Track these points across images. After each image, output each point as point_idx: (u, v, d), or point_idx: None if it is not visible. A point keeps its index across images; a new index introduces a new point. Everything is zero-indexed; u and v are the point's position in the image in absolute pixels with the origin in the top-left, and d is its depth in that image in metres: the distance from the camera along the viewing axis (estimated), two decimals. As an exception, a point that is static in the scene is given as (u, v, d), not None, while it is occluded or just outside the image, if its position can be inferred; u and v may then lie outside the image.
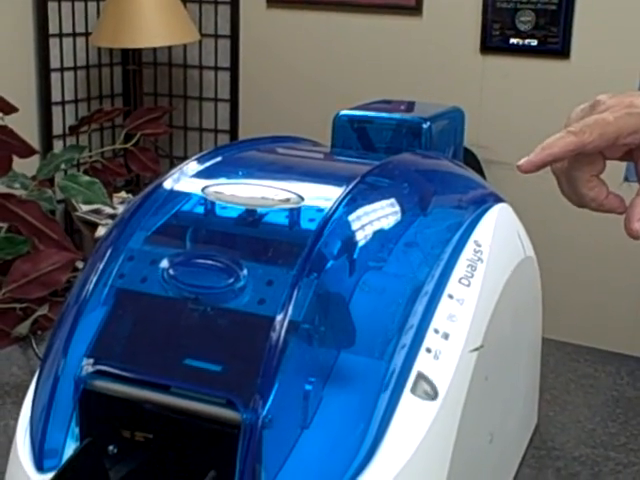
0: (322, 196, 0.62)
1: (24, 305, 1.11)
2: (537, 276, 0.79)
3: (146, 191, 0.64)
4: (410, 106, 0.87)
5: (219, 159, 0.69)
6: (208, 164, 0.68)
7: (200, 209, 0.62)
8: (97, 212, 2.27)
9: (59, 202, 2.65)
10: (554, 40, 2.55)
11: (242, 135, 2.98)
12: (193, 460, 0.58)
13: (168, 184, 0.65)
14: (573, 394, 0.94)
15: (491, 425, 0.68)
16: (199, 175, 0.66)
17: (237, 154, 0.71)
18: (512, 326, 0.71)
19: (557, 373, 0.99)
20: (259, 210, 0.60)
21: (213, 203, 0.62)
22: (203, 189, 0.62)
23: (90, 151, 2.63)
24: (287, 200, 0.60)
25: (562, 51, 2.56)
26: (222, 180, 0.65)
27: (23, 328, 1.04)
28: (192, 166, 0.67)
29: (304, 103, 2.81)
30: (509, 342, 0.71)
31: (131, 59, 2.92)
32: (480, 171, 2.73)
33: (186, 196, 0.64)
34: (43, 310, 1.09)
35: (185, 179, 0.65)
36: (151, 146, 2.84)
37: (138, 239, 0.61)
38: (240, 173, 0.67)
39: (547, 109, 2.63)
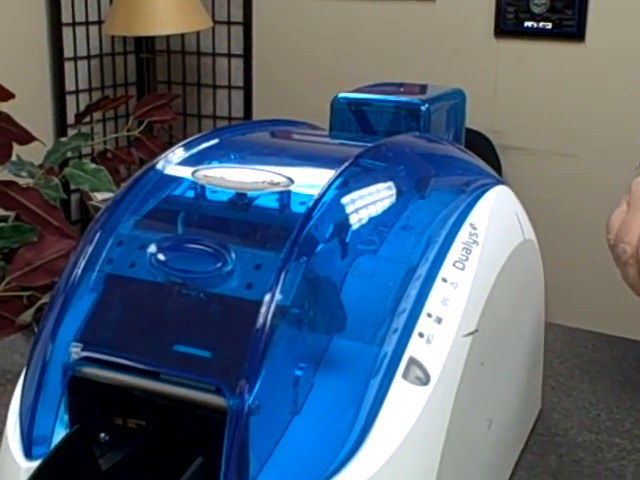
0: (314, 179, 0.61)
1: (29, 293, 1.11)
2: (538, 259, 0.77)
3: (136, 175, 0.64)
4: (410, 88, 0.86)
5: (212, 142, 0.68)
6: (201, 147, 0.67)
7: (190, 193, 0.62)
8: (111, 201, 2.28)
9: (74, 191, 2.67)
10: (569, 23, 2.53)
11: (256, 122, 2.97)
12: (184, 447, 0.58)
13: (159, 167, 0.64)
14: (578, 380, 0.93)
15: (489, 411, 0.67)
16: (191, 158, 0.65)
17: (231, 137, 0.70)
18: (511, 310, 0.70)
19: (563, 359, 0.97)
20: (249, 194, 0.60)
21: (203, 187, 0.61)
22: (193, 173, 0.61)
23: (105, 137, 2.64)
24: (277, 183, 0.60)
25: (577, 34, 2.53)
26: (213, 164, 0.64)
27: (27, 316, 1.04)
28: (183, 150, 0.66)
29: (318, 89, 2.79)
30: (507, 327, 0.70)
31: (144, 47, 2.93)
32: (495, 156, 2.71)
33: (176, 180, 0.63)
34: (47, 298, 1.09)
35: (176, 163, 0.64)
36: (165, 134, 2.84)
37: (127, 224, 0.60)
38: (232, 156, 0.66)
39: (562, 93, 2.61)
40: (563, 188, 2.69)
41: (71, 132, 2.64)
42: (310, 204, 0.57)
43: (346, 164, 0.60)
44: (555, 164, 2.69)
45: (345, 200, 0.59)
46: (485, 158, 0.77)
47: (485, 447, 0.68)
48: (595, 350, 1.00)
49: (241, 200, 0.60)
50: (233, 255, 0.56)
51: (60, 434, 0.56)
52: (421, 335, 0.58)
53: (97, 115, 2.69)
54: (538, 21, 2.57)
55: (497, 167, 2.64)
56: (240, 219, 0.60)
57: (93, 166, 1.46)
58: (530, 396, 0.82)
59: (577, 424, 0.84)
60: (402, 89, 0.83)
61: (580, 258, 2.53)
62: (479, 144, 2.59)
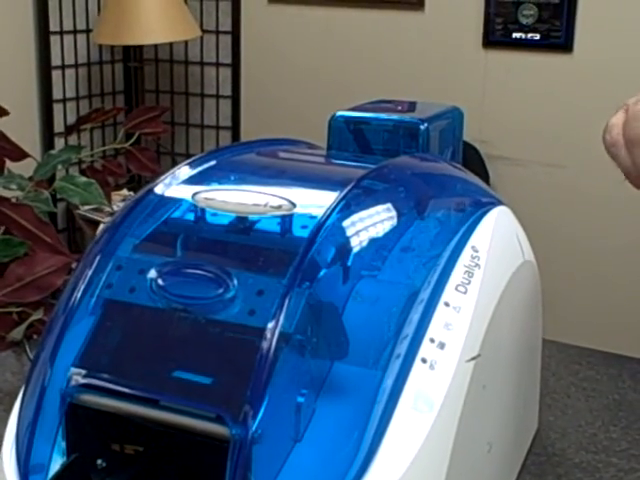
0: (315, 202, 0.61)
1: (20, 309, 1.10)
2: (537, 280, 0.77)
3: (136, 197, 0.63)
4: (408, 106, 0.86)
5: (212, 163, 0.67)
6: (200, 169, 0.67)
7: (190, 216, 0.61)
8: (98, 210, 2.25)
9: (60, 200, 2.64)
10: (557, 34, 2.53)
11: (244, 131, 2.96)
12: (184, 474, 0.57)
13: (159, 190, 0.63)
14: (574, 397, 0.92)
15: (489, 434, 0.66)
16: (191, 180, 0.65)
17: (230, 158, 0.69)
18: (511, 332, 0.70)
19: (558, 376, 0.97)
20: (250, 217, 0.59)
21: (203, 210, 0.60)
22: (193, 195, 0.61)
23: (92, 149, 2.62)
24: (279, 207, 0.59)
25: (565, 45, 2.53)
26: (213, 186, 0.63)
27: (17, 333, 1.03)
28: (184, 171, 0.65)
29: (306, 99, 2.79)
30: (508, 349, 0.69)
31: (132, 56, 2.90)
32: (483, 166, 2.71)
33: (176, 202, 0.62)
34: (38, 314, 1.07)
35: (176, 184, 0.64)
36: (153, 144, 2.82)
37: (127, 247, 0.59)
38: (232, 178, 0.65)
39: (550, 104, 2.61)
40: (551, 198, 2.69)
41: (58, 141, 2.62)
42: (313, 228, 0.56)
43: (348, 187, 0.60)
44: (543, 174, 2.69)
45: (347, 224, 0.58)
46: (473, 168, 0.77)
47: (486, 470, 0.67)
48: (590, 367, 1.00)
49: (242, 224, 0.59)
50: (235, 281, 0.55)
51: (57, 462, 0.56)
52: (424, 361, 0.57)
53: (86, 125, 2.66)
54: (526, 32, 2.57)
55: (485, 177, 2.64)
56: (241, 243, 0.59)
57: (84, 179, 1.45)
58: (528, 416, 0.81)
59: (574, 444, 0.84)
60: (400, 107, 0.82)
61: (570, 268, 2.52)
62: (467, 154, 2.58)
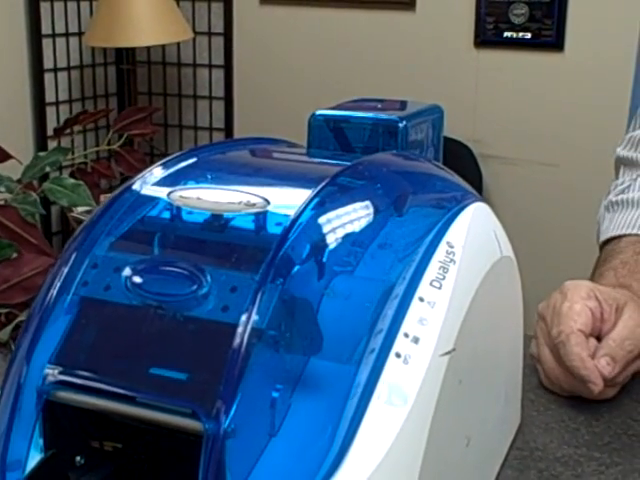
0: (290, 199, 0.61)
1: (6, 310, 1.10)
2: (516, 275, 0.78)
3: (113, 195, 0.63)
4: (389, 104, 0.86)
5: (189, 162, 0.68)
6: (178, 167, 0.67)
7: (166, 214, 0.61)
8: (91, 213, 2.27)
9: (54, 203, 2.65)
10: (548, 33, 2.54)
11: (237, 133, 2.97)
12: (161, 469, 0.58)
13: (135, 188, 0.64)
14: (558, 393, 0.93)
15: (467, 429, 0.67)
16: (167, 178, 0.65)
17: (207, 157, 0.70)
18: (488, 328, 0.70)
19: (542, 372, 0.98)
20: (225, 215, 0.60)
21: (179, 208, 0.61)
22: (169, 194, 0.61)
23: (85, 150, 2.63)
24: (253, 204, 0.59)
25: (556, 44, 2.55)
26: (190, 184, 0.64)
27: (4, 334, 1.03)
28: (161, 169, 0.66)
29: (299, 100, 2.80)
30: (485, 344, 0.70)
31: (125, 58, 2.92)
32: (475, 165, 2.72)
33: (152, 201, 0.63)
34: (24, 315, 1.08)
35: (153, 183, 0.64)
36: (145, 146, 2.84)
37: (103, 245, 0.60)
38: (209, 176, 0.66)
39: (542, 102, 2.62)
40: (544, 197, 2.70)
41: (51, 144, 2.63)
42: (286, 225, 0.57)
43: (322, 184, 0.60)
44: (535, 173, 2.70)
45: (322, 220, 0.59)
46: (465, 167, 0.78)
47: (464, 464, 0.68)
48: (574, 363, 1.00)
49: (217, 221, 0.60)
50: (209, 277, 0.56)
51: (35, 458, 0.56)
52: (398, 355, 0.57)
53: (78, 127, 2.68)
54: (517, 31, 2.59)
55: (478, 176, 2.65)
56: (216, 240, 0.60)
57: (72, 181, 1.46)
58: (509, 412, 0.82)
59: (556, 438, 0.84)
60: (381, 105, 0.83)
61: (561, 267, 2.54)
62: (459, 153, 2.59)
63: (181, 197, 0.61)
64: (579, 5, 2.52)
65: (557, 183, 2.67)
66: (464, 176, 0.78)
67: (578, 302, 0.89)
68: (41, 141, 2.68)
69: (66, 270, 0.59)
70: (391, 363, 0.57)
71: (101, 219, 0.61)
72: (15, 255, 1.16)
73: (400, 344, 0.58)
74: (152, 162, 2.47)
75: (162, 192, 0.62)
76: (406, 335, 0.59)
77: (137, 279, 0.57)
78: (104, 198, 2.06)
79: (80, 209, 2.38)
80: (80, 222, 2.36)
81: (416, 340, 0.59)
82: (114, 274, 0.58)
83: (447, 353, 0.60)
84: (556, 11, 2.55)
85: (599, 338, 0.89)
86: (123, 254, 0.59)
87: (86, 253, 0.59)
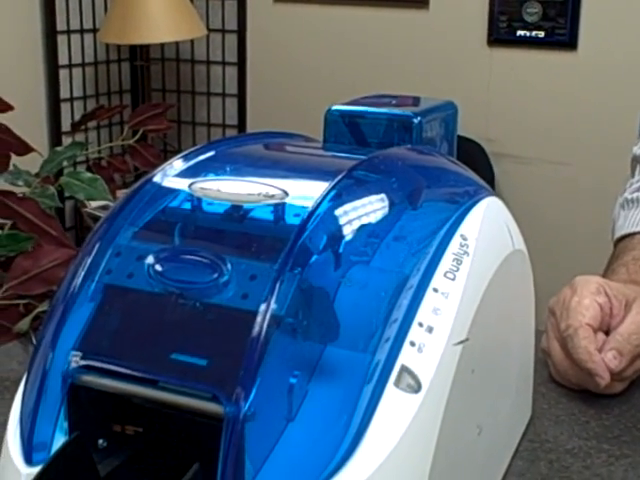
0: (308, 191, 0.63)
1: (26, 301, 1.12)
2: (528, 269, 0.79)
3: (135, 187, 0.65)
4: (404, 101, 0.88)
5: (208, 155, 0.69)
6: (197, 160, 0.69)
7: (187, 205, 0.63)
8: (106, 208, 2.29)
9: (68, 198, 2.68)
10: (561, 32, 2.55)
11: (250, 130, 2.99)
12: (181, 453, 0.59)
13: (157, 180, 0.65)
14: (568, 387, 0.94)
15: (479, 418, 0.68)
16: (187, 171, 0.67)
17: (226, 150, 0.71)
18: (500, 319, 0.71)
19: (553, 366, 0.99)
20: (244, 206, 0.61)
21: (200, 199, 0.62)
22: (190, 185, 0.63)
23: (99, 145, 2.65)
24: (272, 196, 0.61)
25: (569, 43, 2.56)
26: (209, 176, 0.65)
27: (24, 324, 1.05)
28: (181, 162, 0.68)
29: (312, 97, 2.81)
30: (498, 335, 0.71)
31: (139, 55, 2.94)
32: (488, 164, 2.73)
33: (173, 192, 0.64)
34: (44, 306, 1.10)
35: (173, 175, 0.66)
36: (159, 142, 2.86)
37: (125, 235, 0.62)
38: (228, 169, 0.67)
39: (555, 101, 2.63)
40: (556, 196, 2.71)
41: (66, 139, 2.65)
42: (304, 216, 0.58)
43: (339, 177, 0.62)
44: (548, 172, 2.71)
45: (338, 212, 0.60)
46: (478, 166, 0.79)
47: (476, 453, 0.69)
48: (585, 357, 1.01)
49: (237, 212, 0.61)
50: (229, 266, 0.57)
51: (60, 440, 0.58)
52: (412, 344, 0.59)
53: (92, 123, 2.70)
54: (531, 30, 2.59)
55: (490, 175, 2.66)
56: (236, 230, 0.61)
57: (89, 175, 1.48)
58: (520, 403, 0.83)
59: (567, 430, 0.86)
60: (395, 101, 0.84)
61: (573, 265, 2.54)
62: (472, 152, 2.61)
63: (202, 188, 0.62)
64: (593, 4, 2.52)
65: (570, 182, 2.68)
66: (476, 174, 0.80)
67: (587, 297, 0.90)
68: (56, 137, 2.70)
69: (90, 259, 0.60)
70: (406, 351, 0.58)
71: (123, 210, 0.63)
72: (33, 247, 1.18)
73: (415, 333, 0.59)
74: (166, 158, 2.49)
75: (183, 184, 0.64)
76: (420, 324, 0.60)
77: (159, 267, 0.58)
78: (120, 193, 2.08)
79: (94, 204, 2.41)
80: (94, 217, 2.38)
81: (430, 329, 0.60)
82: (137, 262, 0.59)
83: (461, 342, 0.61)
84: (570, 10, 2.56)
85: (608, 333, 0.90)
86: (145, 243, 0.61)
87: (109, 242, 0.61)
